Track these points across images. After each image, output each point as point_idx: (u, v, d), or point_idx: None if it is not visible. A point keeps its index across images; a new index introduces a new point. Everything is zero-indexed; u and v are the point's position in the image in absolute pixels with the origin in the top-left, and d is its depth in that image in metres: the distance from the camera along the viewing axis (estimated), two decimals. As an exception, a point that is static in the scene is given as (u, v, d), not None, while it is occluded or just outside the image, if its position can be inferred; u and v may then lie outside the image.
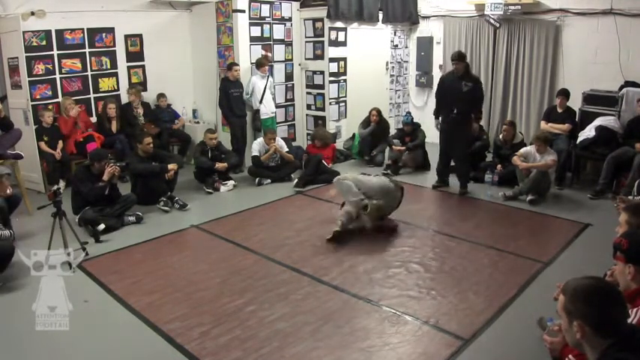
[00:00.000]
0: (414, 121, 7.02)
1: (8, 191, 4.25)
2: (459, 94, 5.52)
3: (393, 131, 7.58)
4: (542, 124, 6.38)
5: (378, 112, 7.20)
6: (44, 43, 6.07)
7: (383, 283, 3.72)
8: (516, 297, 3.46)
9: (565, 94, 6.17)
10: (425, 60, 8.44)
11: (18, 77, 5.74)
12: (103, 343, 3.01)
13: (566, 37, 6.89)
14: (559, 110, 6.22)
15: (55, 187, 3.97)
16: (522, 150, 5.67)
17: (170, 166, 5.47)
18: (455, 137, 5.72)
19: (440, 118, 5.84)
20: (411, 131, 6.89)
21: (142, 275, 3.88)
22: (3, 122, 5.23)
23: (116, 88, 6.85)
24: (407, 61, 8.64)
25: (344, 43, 7.41)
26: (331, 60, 7.29)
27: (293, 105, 7.68)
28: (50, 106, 6.09)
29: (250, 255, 4.25)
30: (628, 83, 6.12)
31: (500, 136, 6.32)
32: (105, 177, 4.76)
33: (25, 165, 5.57)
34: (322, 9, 7.05)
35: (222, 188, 6.06)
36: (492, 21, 7.14)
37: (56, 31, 6.15)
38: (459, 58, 5.55)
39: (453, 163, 6.06)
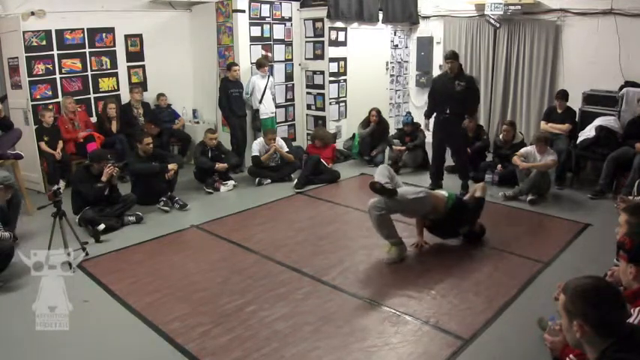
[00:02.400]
0: (414, 121, 7.02)
1: (8, 197, 4.27)
2: (452, 94, 5.45)
3: (392, 131, 7.58)
4: (542, 124, 6.38)
5: (378, 112, 7.20)
6: (44, 43, 6.07)
7: (383, 283, 3.72)
8: (516, 297, 3.46)
9: (564, 96, 6.16)
10: (425, 60, 8.45)
11: (18, 77, 5.74)
12: (103, 343, 3.00)
13: (566, 37, 6.89)
14: (559, 111, 6.23)
15: (55, 187, 3.97)
16: (522, 150, 5.67)
17: (170, 166, 5.47)
18: (449, 137, 5.70)
19: (432, 119, 5.77)
20: (411, 131, 6.89)
21: (142, 275, 3.87)
22: (3, 122, 5.24)
23: (116, 88, 6.85)
24: (407, 61, 8.64)
25: (344, 43, 7.41)
26: (331, 60, 7.28)
27: (293, 105, 7.68)
28: (50, 106, 6.08)
29: (250, 255, 4.25)
30: (628, 83, 6.12)
31: (500, 136, 6.31)
32: (103, 177, 4.76)
33: (25, 165, 5.57)
34: (322, 9, 7.05)
35: (222, 188, 6.06)
36: (492, 21, 7.14)
37: (56, 31, 6.15)
38: (453, 56, 5.50)
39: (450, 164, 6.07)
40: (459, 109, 5.56)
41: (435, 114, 5.73)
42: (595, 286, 1.59)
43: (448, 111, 5.53)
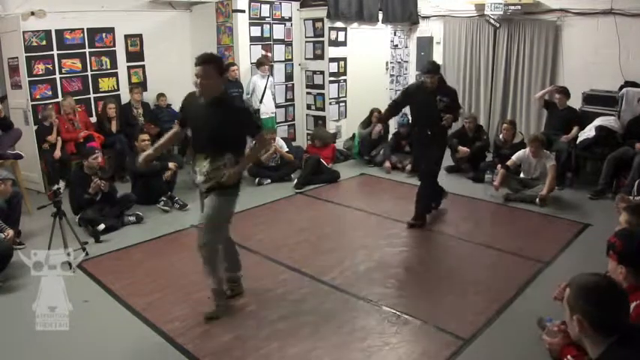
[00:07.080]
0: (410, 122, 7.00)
1: (9, 194, 4.27)
2: (434, 113, 4.53)
3: (392, 131, 7.57)
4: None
5: (380, 112, 7.19)
6: (44, 43, 6.06)
7: (383, 283, 3.72)
8: (516, 297, 3.46)
9: (564, 92, 6.16)
10: (425, 60, 8.41)
11: (18, 77, 5.73)
12: (103, 343, 3.01)
13: (566, 37, 6.89)
14: (560, 108, 6.22)
15: (55, 187, 3.96)
16: (515, 156, 5.61)
17: (170, 165, 5.47)
18: (423, 158, 4.87)
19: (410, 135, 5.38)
20: (407, 134, 6.86)
21: (142, 275, 3.88)
22: (3, 122, 5.23)
23: (116, 88, 6.85)
24: (407, 61, 8.64)
25: (344, 43, 7.40)
26: (331, 60, 7.28)
27: (293, 105, 7.68)
28: (50, 106, 6.08)
29: (250, 255, 4.25)
30: (628, 83, 6.12)
31: (500, 136, 6.31)
32: (91, 191, 4.72)
33: (25, 165, 5.57)
34: (322, 9, 7.05)
35: (222, 188, 6.04)
36: (492, 21, 7.14)
37: (56, 31, 6.15)
38: (433, 70, 4.54)
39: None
40: (442, 127, 4.66)
41: (414, 129, 5.04)
42: (597, 285, 1.57)
43: (430, 132, 4.64)
